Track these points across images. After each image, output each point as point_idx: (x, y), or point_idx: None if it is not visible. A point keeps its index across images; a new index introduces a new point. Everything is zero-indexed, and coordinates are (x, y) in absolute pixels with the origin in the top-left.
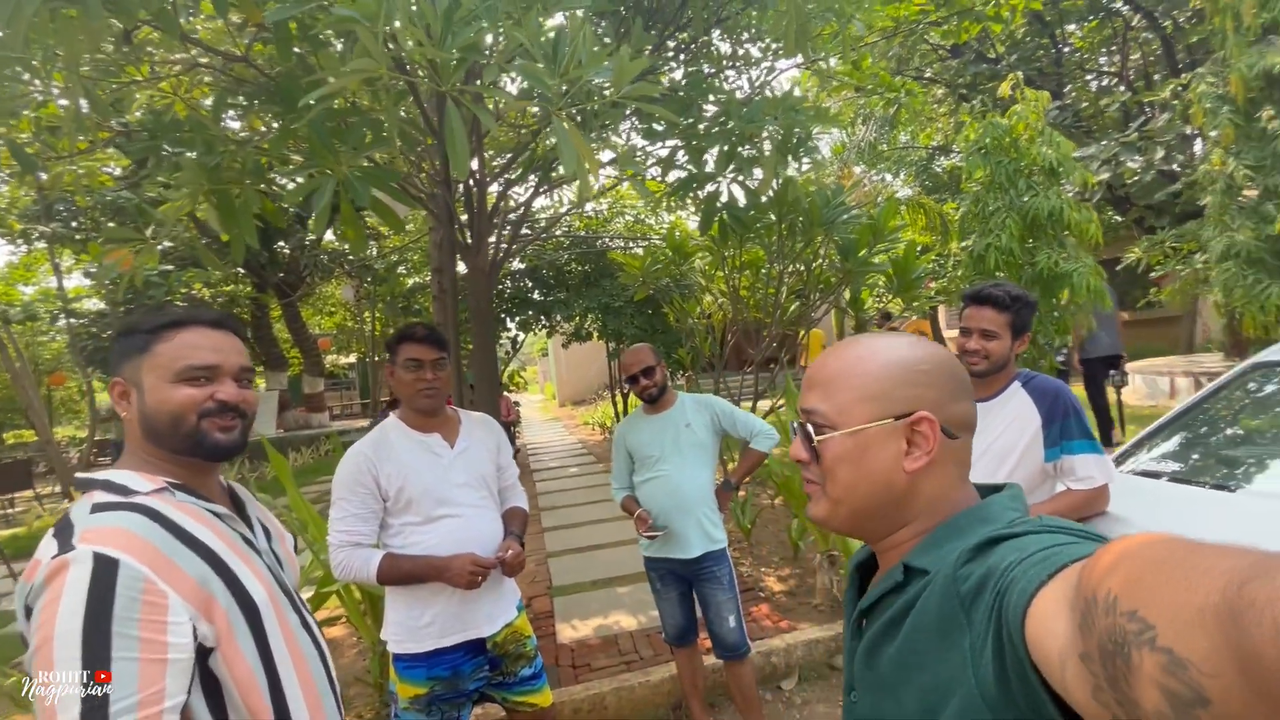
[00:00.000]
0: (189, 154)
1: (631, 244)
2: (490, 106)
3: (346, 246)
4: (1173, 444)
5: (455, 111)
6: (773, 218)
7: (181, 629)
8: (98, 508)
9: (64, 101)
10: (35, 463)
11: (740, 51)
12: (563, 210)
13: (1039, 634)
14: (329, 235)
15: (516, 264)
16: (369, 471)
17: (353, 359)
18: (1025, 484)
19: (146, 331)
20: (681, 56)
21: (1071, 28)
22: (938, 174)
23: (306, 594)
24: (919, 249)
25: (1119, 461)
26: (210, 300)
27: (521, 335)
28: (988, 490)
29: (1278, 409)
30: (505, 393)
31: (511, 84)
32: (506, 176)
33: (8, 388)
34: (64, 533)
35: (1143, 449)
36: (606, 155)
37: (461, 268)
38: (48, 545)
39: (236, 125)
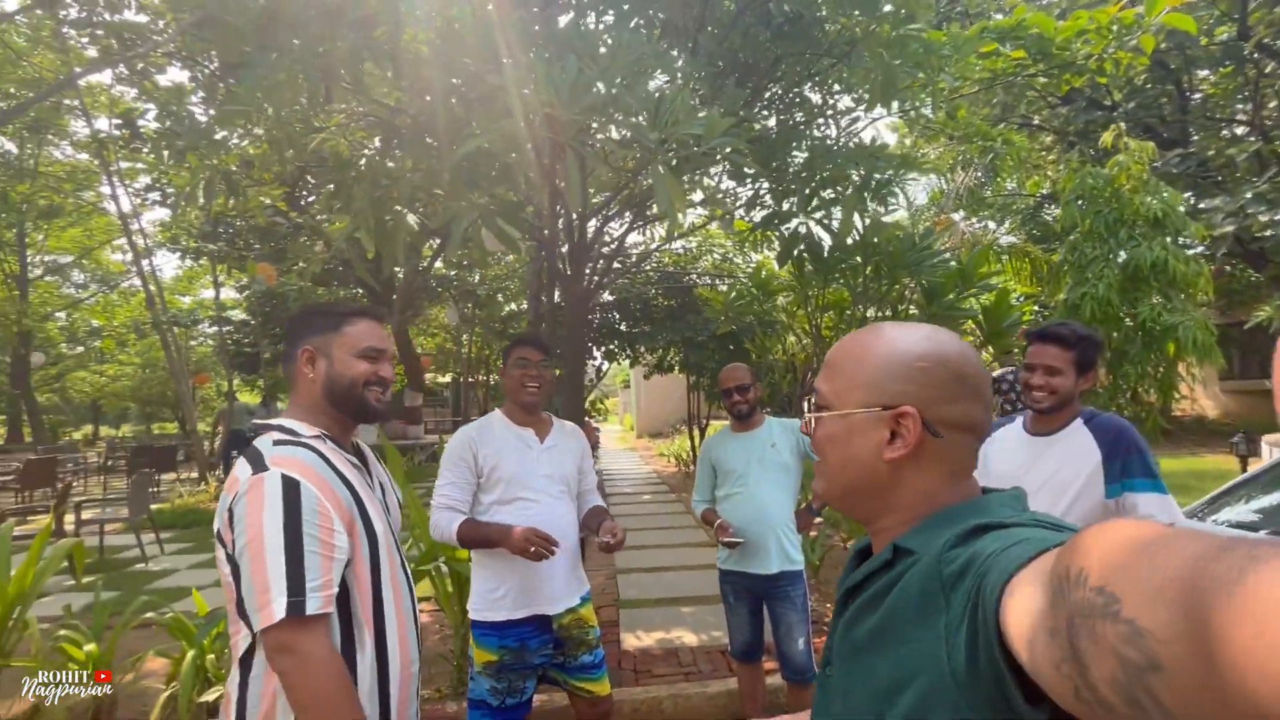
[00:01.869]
0: (360, 185)
1: (717, 281)
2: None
3: (454, 273)
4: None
5: (575, 159)
6: (858, 260)
7: (341, 537)
8: (279, 443)
9: (252, 141)
10: (178, 450)
11: (831, 101)
12: (653, 246)
13: (1014, 615)
14: (438, 263)
15: (606, 296)
16: (470, 449)
17: (448, 378)
18: (1085, 520)
19: (340, 314)
20: (776, 106)
21: (1204, 73)
22: (1047, 223)
23: None
24: (1017, 297)
25: (1211, 507)
26: None
27: (606, 364)
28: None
29: None
30: (586, 418)
31: (616, 132)
32: (604, 213)
33: (161, 384)
34: (255, 460)
35: (1239, 500)
36: (697, 195)
37: (557, 296)
38: (243, 468)
39: (391, 165)
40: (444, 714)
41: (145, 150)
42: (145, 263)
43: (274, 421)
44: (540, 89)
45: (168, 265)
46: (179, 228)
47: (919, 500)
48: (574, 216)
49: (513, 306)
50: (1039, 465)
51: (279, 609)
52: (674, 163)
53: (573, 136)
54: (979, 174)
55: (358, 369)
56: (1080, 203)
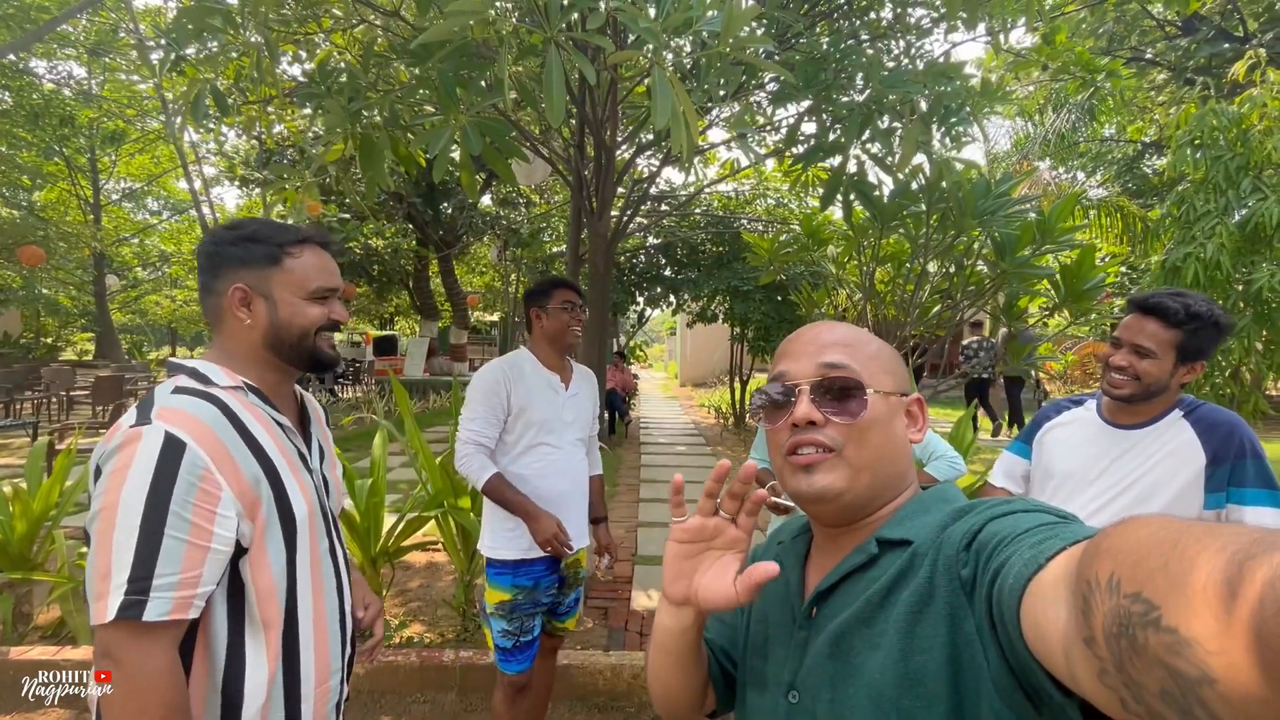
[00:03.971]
0: (337, 98)
1: (770, 227)
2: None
3: (500, 211)
4: None
5: (557, 58)
6: (923, 207)
7: (228, 522)
8: (179, 390)
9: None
10: None
11: (903, 15)
12: (703, 186)
13: (1037, 621)
14: (485, 199)
15: (651, 239)
16: (505, 386)
17: (495, 317)
18: None
19: (277, 244)
20: (838, 21)
21: None
22: (1146, 175)
23: (410, 516)
24: (1104, 257)
25: None
26: (380, 251)
27: (650, 310)
28: None
29: None
30: (627, 364)
31: (630, 40)
32: (638, 142)
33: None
34: (144, 407)
35: None
36: (729, 127)
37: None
38: (129, 415)
39: (395, 77)
40: (439, 661)
41: (138, 62)
42: (198, 185)
43: (188, 362)
44: None
45: (229, 197)
46: (237, 157)
47: (905, 487)
48: (603, 153)
49: (559, 247)
50: (1121, 465)
51: (111, 606)
52: (687, 63)
53: (555, 29)
54: (1072, 116)
55: (309, 315)
56: (1196, 147)
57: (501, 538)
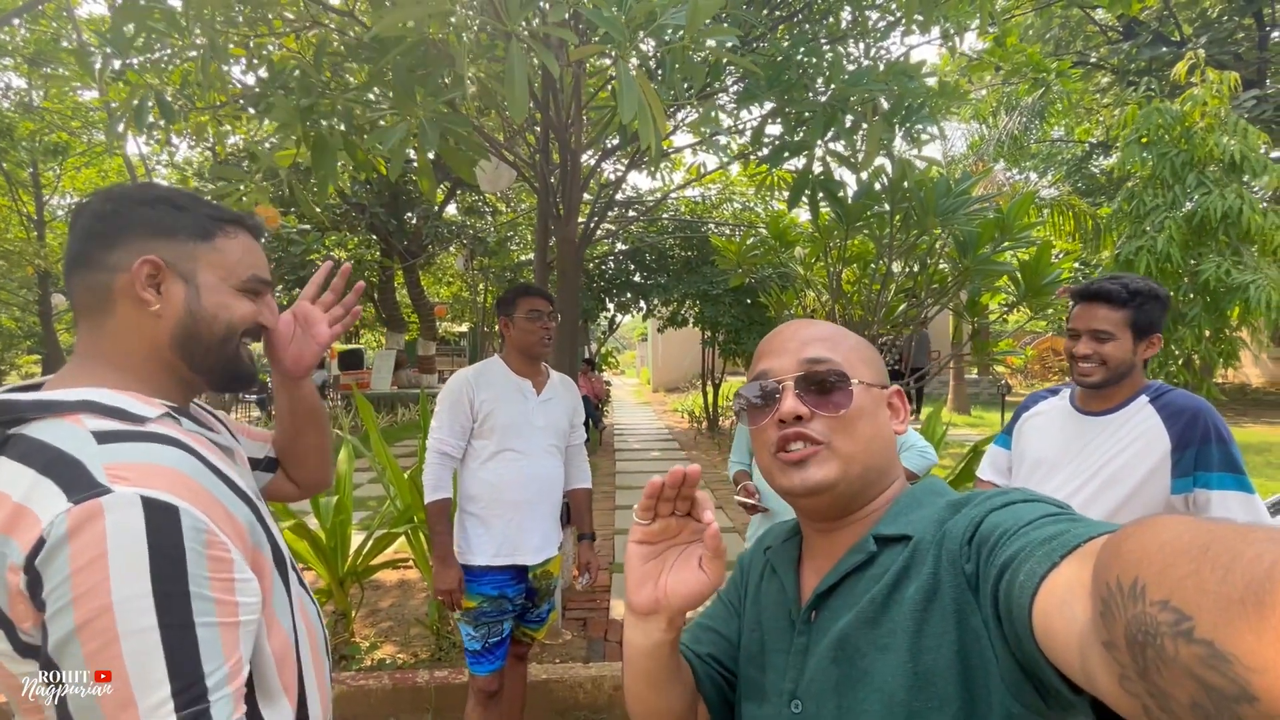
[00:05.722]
0: (288, 97)
1: (737, 230)
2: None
3: (466, 219)
4: None
5: (518, 51)
6: (886, 207)
7: (249, 587)
8: (106, 437)
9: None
10: None
11: (860, 19)
12: (670, 191)
13: (1050, 621)
14: (451, 208)
15: (620, 245)
16: (467, 393)
17: (464, 328)
18: None
19: (208, 216)
20: (798, 23)
21: None
22: (1094, 175)
23: (379, 533)
24: (1058, 254)
25: None
26: (341, 261)
27: (620, 316)
28: None
29: None
30: (598, 372)
31: (594, 36)
32: (603, 147)
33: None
34: (72, 476)
35: None
36: (696, 125)
37: (552, 241)
38: (42, 495)
39: (352, 80)
40: (413, 683)
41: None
42: None
43: (70, 396)
44: None
45: None
46: (189, 169)
47: (894, 479)
48: (567, 152)
49: (526, 256)
50: (1090, 450)
51: None
52: (652, 63)
53: (515, 23)
54: (1023, 119)
55: (238, 311)
56: (1143, 145)
57: (467, 544)
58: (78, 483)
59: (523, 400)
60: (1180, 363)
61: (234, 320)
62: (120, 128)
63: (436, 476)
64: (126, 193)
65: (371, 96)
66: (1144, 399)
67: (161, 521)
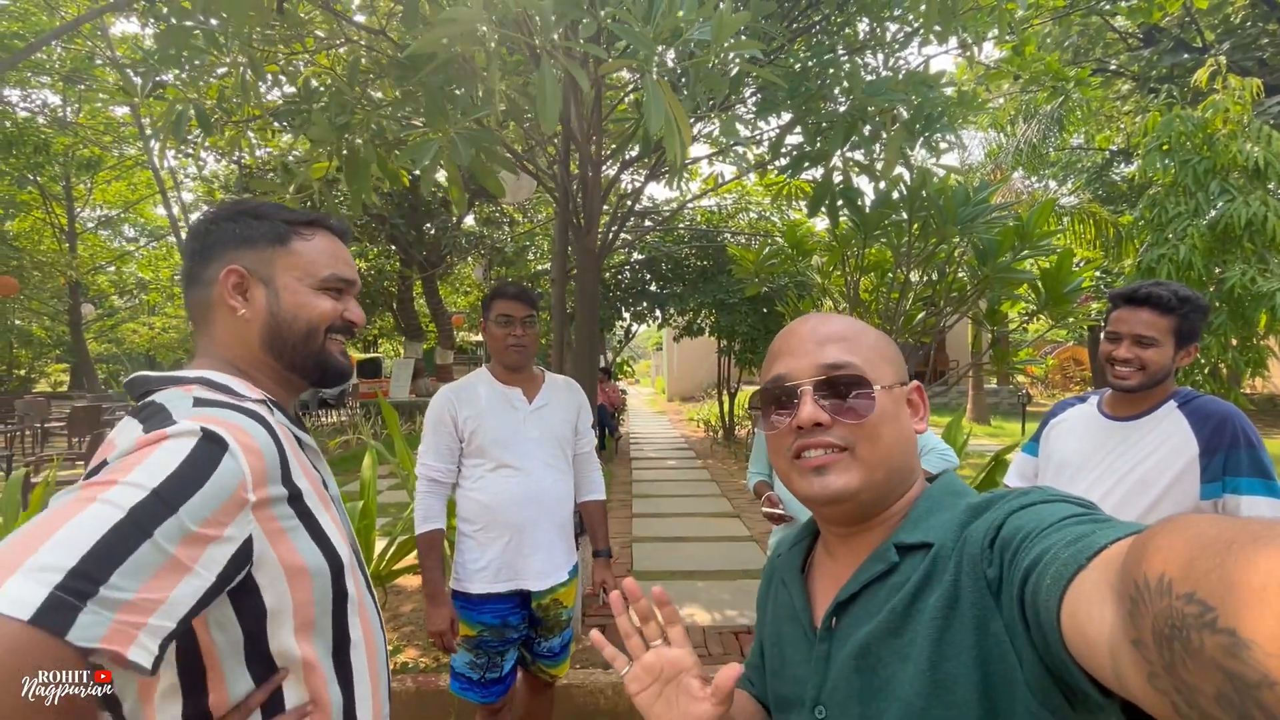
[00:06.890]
0: (323, 113)
1: (753, 240)
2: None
3: (484, 230)
4: None
5: (549, 66)
6: (904, 216)
7: (223, 547)
8: (201, 402)
9: (223, 70)
10: None
11: (879, 31)
12: (686, 200)
13: (1079, 622)
14: (469, 219)
15: (636, 255)
16: (449, 412)
17: (481, 336)
18: None
19: (285, 221)
20: (816, 35)
21: None
22: (1114, 183)
23: (401, 538)
24: (1079, 262)
25: None
26: (363, 273)
27: (636, 326)
28: None
29: None
30: (614, 381)
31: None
32: (620, 157)
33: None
34: (153, 416)
35: None
36: (720, 134)
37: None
38: (125, 429)
39: (379, 95)
40: (435, 686)
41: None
42: (176, 209)
43: (183, 373)
44: None
45: None
46: (216, 182)
47: (915, 480)
48: (589, 167)
49: (543, 266)
50: (1117, 456)
51: (23, 595)
52: (679, 75)
53: (546, 38)
54: (1042, 127)
55: (319, 308)
56: (1165, 152)
57: (465, 570)
58: (156, 422)
59: (512, 411)
60: (1206, 371)
61: (314, 318)
62: (155, 145)
63: (426, 506)
64: (217, 212)
65: (402, 112)
66: (1172, 404)
67: (207, 451)
